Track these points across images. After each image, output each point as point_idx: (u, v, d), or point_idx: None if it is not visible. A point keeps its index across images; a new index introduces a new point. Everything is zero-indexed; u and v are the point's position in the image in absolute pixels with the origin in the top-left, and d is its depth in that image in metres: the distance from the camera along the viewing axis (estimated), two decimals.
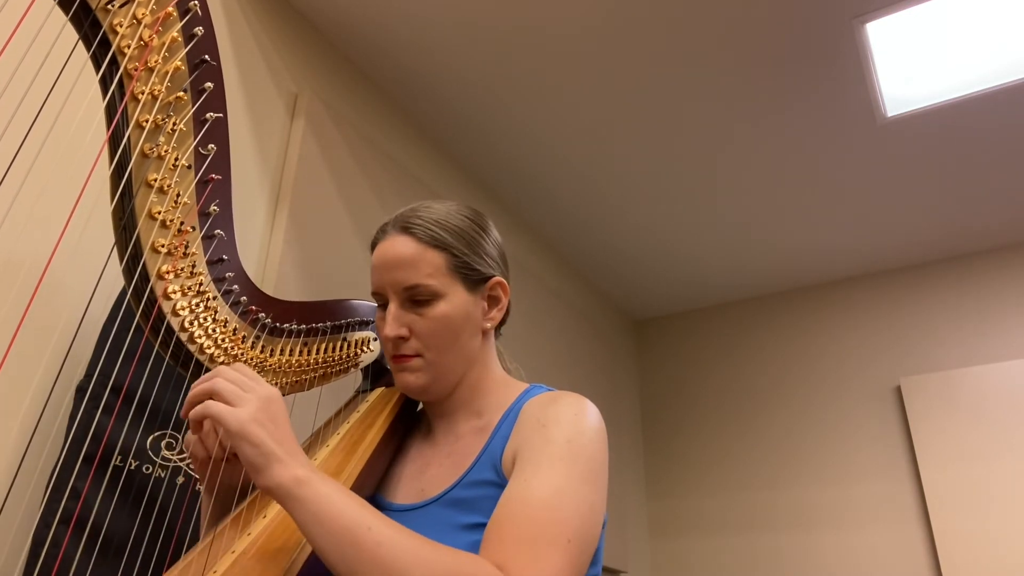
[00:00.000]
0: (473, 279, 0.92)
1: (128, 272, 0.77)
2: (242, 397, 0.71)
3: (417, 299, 0.88)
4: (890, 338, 2.96)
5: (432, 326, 0.88)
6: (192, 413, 0.71)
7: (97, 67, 0.71)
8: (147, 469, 1.19)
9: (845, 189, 2.57)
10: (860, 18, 1.88)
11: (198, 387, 0.72)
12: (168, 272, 0.79)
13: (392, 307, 0.89)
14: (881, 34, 1.94)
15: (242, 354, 0.89)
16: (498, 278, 0.95)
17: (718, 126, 2.28)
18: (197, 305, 0.83)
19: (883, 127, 2.26)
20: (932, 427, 2.68)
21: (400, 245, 0.89)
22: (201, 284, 0.83)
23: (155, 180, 0.76)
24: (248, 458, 0.68)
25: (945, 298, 2.92)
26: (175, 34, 0.75)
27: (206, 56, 0.78)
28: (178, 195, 0.79)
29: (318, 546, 0.66)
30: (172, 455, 1.23)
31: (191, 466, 1.25)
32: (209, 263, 0.84)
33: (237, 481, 0.88)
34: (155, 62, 0.74)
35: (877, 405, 2.87)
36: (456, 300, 0.89)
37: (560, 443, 0.77)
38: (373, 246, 0.94)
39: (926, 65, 2.05)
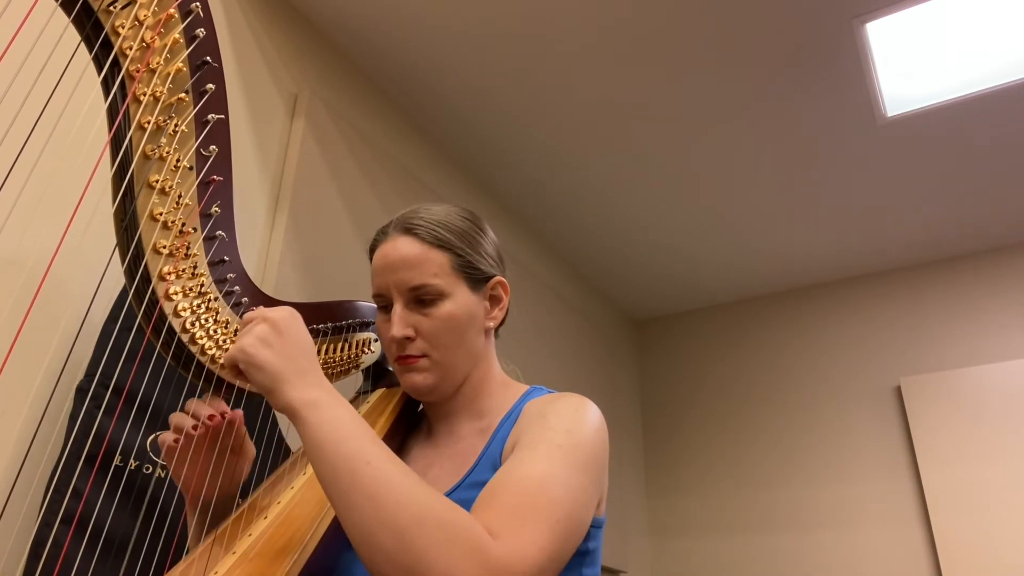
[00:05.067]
0: (476, 279, 0.92)
1: (130, 273, 0.77)
2: (248, 327, 0.74)
3: (423, 299, 0.88)
4: (890, 338, 2.96)
5: (438, 326, 0.88)
6: (227, 370, 0.77)
7: (99, 69, 0.71)
8: (147, 469, 1.20)
9: (845, 189, 2.57)
10: (860, 18, 1.88)
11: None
12: (170, 273, 0.79)
13: (397, 308, 0.88)
14: (881, 34, 1.94)
15: None
16: (499, 278, 0.96)
17: (718, 126, 2.28)
18: (199, 306, 0.83)
19: (883, 127, 2.26)
20: (932, 427, 2.68)
21: (404, 246, 0.90)
22: (203, 285, 0.83)
23: (157, 181, 0.76)
24: (256, 382, 0.71)
25: (945, 298, 2.92)
26: (177, 36, 0.75)
27: (208, 58, 0.78)
28: (180, 196, 0.79)
29: (317, 471, 0.67)
30: None
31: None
32: (211, 264, 0.84)
33: (232, 492, 0.88)
34: (157, 64, 0.74)
35: (877, 405, 2.87)
36: (461, 299, 0.90)
37: (559, 431, 0.77)
38: (372, 249, 0.95)
39: (926, 65, 2.05)
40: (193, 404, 0.84)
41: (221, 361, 0.78)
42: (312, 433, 0.67)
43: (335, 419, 0.68)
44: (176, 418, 0.84)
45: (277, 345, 0.72)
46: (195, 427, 0.83)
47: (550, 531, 0.67)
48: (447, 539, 0.61)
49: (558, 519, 0.69)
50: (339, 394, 0.72)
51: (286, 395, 0.69)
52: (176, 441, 0.83)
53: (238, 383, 0.82)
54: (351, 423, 0.68)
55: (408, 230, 0.91)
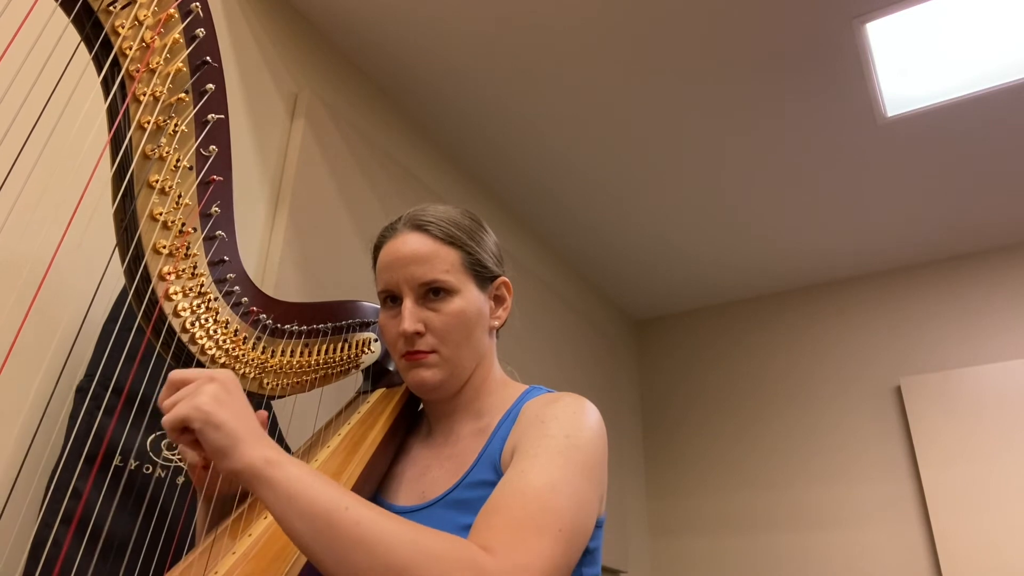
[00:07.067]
0: (483, 277, 0.93)
1: (129, 273, 0.77)
2: (196, 386, 0.67)
3: (433, 295, 0.89)
4: (890, 338, 2.96)
5: (449, 321, 0.88)
6: (168, 428, 0.67)
7: (99, 69, 0.71)
8: (148, 469, 1.20)
9: (845, 189, 2.57)
10: (860, 18, 1.88)
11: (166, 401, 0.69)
12: (169, 273, 0.79)
13: (408, 303, 0.88)
14: (881, 34, 1.94)
15: (243, 355, 0.89)
16: (504, 278, 0.96)
17: (718, 125, 2.28)
18: (198, 306, 0.83)
19: (883, 127, 2.26)
20: (932, 427, 2.68)
21: (415, 241, 0.90)
22: (202, 285, 0.83)
23: (157, 181, 0.76)
24: (213, 442, 0.65)
25: (945, 298, 2.92)
26: (177, 36, 0.75)
27: (207, 58, 0.78)
28: (179, 196, 0.79)
29: (292, 528, 0.63)
30: (172, 455, 1.23)
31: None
32: (210, 264, 0.84)
33: (236, 490, 0.88)
34: (157, 64, 0.74)
35: (877, 405, 2.87)
36: (470, 297, 0.90)
37: (558, 437, 0.77)
38: (378, 246, 0.95)
39: (926, 65, 2.05)
40: None
41: (163, 422, 0.68)
42: (281, 490, 0.63)
43: (299, 474, 0.64)
44: None
45: (231, 405, 0.67)
46: None
47: (554, 541, 0.67)
48: (444, 569, 0.61)
49: (560, 528, 0.69)
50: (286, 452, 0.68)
51: (246, 455, 0.64)
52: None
53: (181, 444, 0.72)
54: (314, 475, 0.65)
55: (419, 227, 0.91)
